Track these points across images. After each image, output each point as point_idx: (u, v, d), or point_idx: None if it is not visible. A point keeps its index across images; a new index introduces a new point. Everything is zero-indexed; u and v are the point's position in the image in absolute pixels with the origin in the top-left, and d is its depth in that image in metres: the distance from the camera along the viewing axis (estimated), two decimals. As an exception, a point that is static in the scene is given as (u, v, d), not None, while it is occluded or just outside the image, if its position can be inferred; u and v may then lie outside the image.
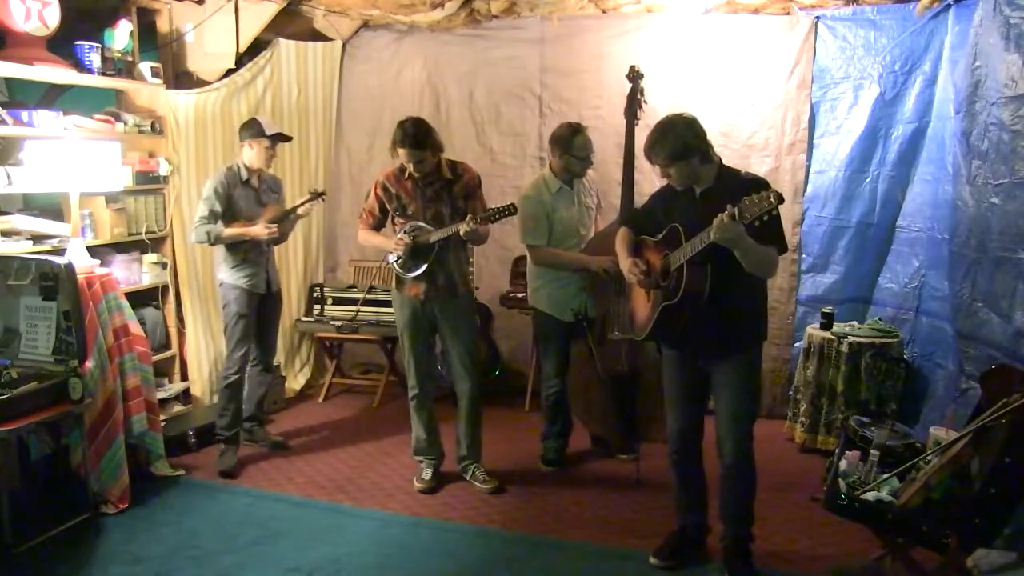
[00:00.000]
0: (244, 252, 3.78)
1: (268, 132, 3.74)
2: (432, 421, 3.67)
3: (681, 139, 2.53)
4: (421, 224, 3.41)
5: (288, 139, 3.98)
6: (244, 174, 3.79)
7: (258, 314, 3.91)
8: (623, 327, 3.55)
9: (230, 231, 3.71)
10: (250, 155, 3.77)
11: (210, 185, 3.75)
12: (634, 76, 3.78)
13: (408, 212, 3.43)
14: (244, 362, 3.89)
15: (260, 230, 3.72)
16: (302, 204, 3.94)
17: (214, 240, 3.71)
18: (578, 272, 3.66)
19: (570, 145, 3.62)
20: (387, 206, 3.49)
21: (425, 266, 3.39)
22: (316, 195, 3.99)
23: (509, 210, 3.31)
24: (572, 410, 3.91)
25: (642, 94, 3.80)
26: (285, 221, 3.87)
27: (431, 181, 3.41)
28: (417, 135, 3.25)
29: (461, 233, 3.28)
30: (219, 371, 4.53)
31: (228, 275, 3.82)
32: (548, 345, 3.85)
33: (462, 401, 3.64)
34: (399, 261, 3.45)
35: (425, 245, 3.38)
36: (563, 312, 3.72)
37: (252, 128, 3.75)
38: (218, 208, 3.71)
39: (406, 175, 3.42)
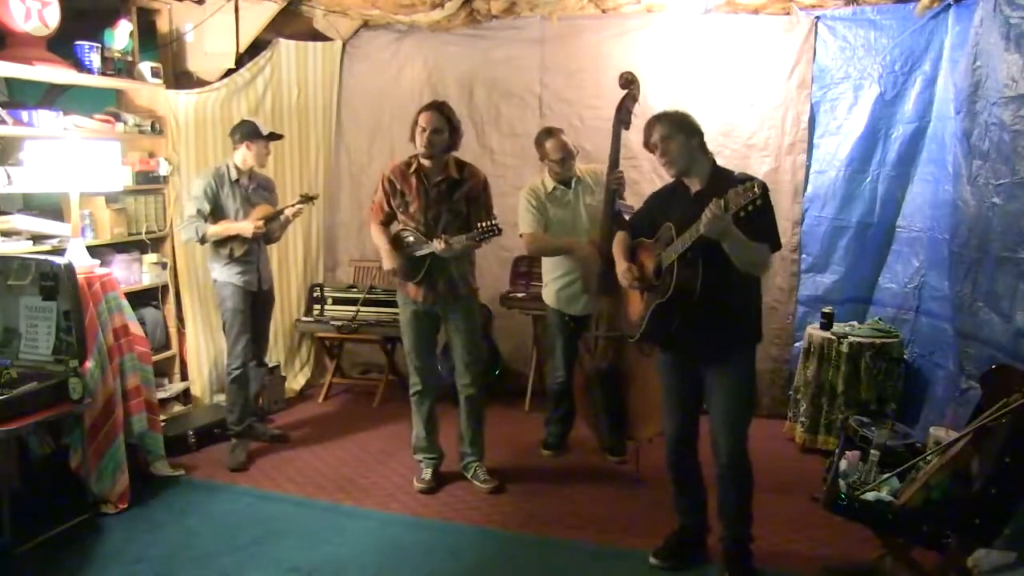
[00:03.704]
0: (231, 249, 3.79)
1: (264, 132, 3.80)
2: (432, 419, 3.66)
3: (685, 117, 2.65)
4: (410, 238, 3.40)
5: (281, 137, 4.06)
6: (234, 174, 3.82)
7: (252, 312, 3.94)
8: (611, 326, 3.58)
9: (216, 228, 3.75)
10: (245, 155, 3.79)
11: (199, 185, 3.77)
12: (626, 83, 3.64)
13: (409, 209, 3.41)
14: (247, 355, 3.92)
15: (246, 226, 3.74)
16: (292, 207, 3.93)
17: (202, 238, 3.74)
18: (567, 256, 3.76)
19: (543, 149, 3.75)
20: (391, 200, 3.45)
21: (421, 274, 3.38)
22: (307, 199, 3.98)
23: (494, 231, 3.22)
24: (576, 407, 3.99)
25: (633, 101, 3.63)
26: (274, 221, 3.89)
27: (437, 180, 3.37)
28: (443, 104, 3.34)
29: (437, 251, 3.26)
30: (219, 371, 4.55)
31: (221, 273, 3.85)
32: (556, 339, 3.93)
33: (463, 400, 3.63)
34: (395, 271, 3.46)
35: (418, 257, 3.37)
36: (571, 307, 3.80)
37: (246, 129, 3.78)
38: (206, 208, 3.74)
39: (412, 169, 3.39)
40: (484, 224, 3.22)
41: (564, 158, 3.70)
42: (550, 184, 3.79)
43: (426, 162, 3.35)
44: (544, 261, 3.96)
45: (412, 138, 3.34)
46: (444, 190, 3.38)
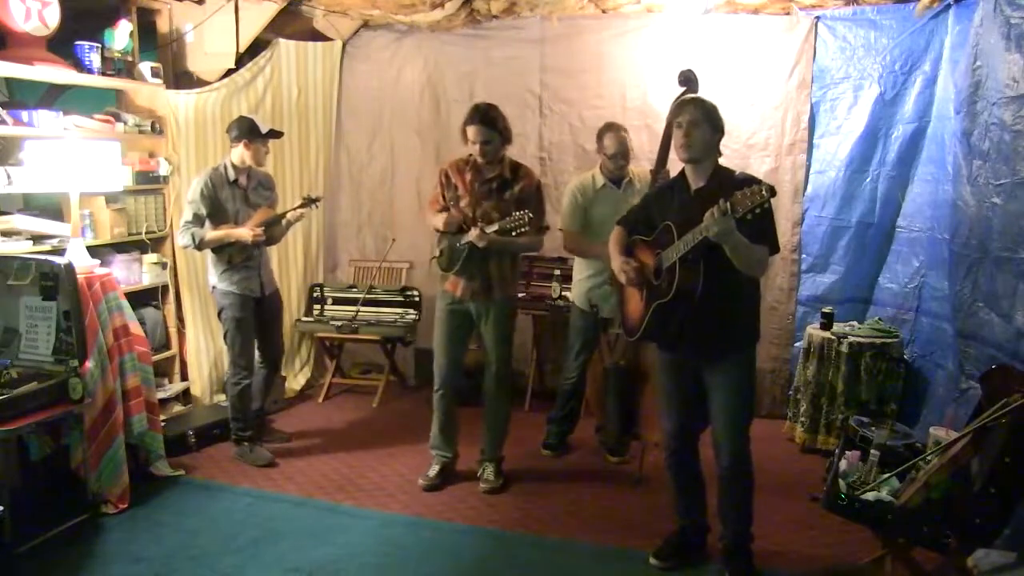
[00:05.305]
0: (229, 256, 3.70)
1: (263, 130, 3.69)
2: (450, 421, 3.64)
3: (715, 110, 2.65)
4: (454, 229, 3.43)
5: (281, 134, 3.96)
6: (231, 174, 3.72)
7: (257, 318, 3.85)
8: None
9: (214, 234, 3.64)
10: (243, 154, 3.68)
11: (195, 188, 3.67)
12: (685, 80, 3.61)
13: (460, 204, 3.43)
14: (251, 366, 3.87)
15: (245, 232, 3.64)
16: (294, 210, 3.86)
17: (199, 244, 3.64)
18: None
19: (601, 143, 3.77)
20: (445, 193, 3.48)
21: (458, 265, 3.40)
22: (309, 201, 3.95)
23: (523, 219, 3.23)
24: (587, 396, 4.02)
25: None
26: (276, 225, 3.81)
27: (489, 177, 3.40)
28: (488, 113, 3.32)
29: (472, 239, 3.29)
30: (219, 371, 4.55)
31: (219, 280, 3.75)
32: (575, 339, 3.96)
33: (485, 400, 3.62)
34: (440, 258, 3.48)
35: (458, 246, 3.40)
36: (603, 306, 3.82)
37: (245, 127, 3.66)
38: (203, 211, 3.64)
39: (468, 166, 3.43)
40: (516, 214, 3.25)
41: (616, 154, 3.71)
42: (600, 180, 3.81)
43: (481, 160, 3.39)
44: (577, 260, 3.99)
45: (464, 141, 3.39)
46: (495, 188, 3.41)
